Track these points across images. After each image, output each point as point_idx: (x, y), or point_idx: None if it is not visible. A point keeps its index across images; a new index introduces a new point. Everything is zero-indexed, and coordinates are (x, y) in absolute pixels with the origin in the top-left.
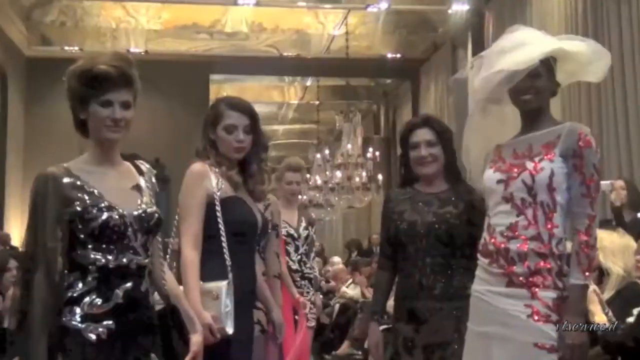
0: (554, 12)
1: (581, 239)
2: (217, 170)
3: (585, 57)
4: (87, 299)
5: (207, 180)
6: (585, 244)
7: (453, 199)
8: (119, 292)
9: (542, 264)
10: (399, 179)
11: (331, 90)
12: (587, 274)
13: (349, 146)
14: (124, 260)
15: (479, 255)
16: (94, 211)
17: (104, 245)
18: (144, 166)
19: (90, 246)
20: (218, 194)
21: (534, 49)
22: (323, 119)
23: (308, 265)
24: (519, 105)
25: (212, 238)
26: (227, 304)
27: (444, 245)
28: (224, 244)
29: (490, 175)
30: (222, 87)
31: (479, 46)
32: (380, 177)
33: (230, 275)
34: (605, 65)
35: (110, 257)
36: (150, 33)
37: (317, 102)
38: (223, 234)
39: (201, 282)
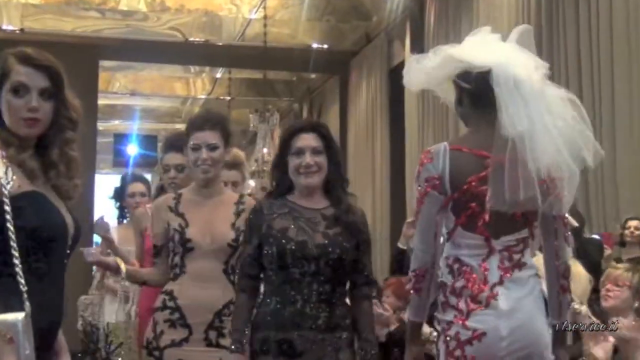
0: (503, 4)
1: None
2: (4, 153)
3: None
4: None
5: None
6: None
7: (339, 218)
8: None
9: None
10: (272, 187)
11: (245, 84)
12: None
13: (265, 150)
14: None
15: None
16: None
17: None
18: None
19: None
20: (8, 187)
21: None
22: (235, 117)
23: None
24: None
25: None
26: (25, 346)
27: (333, 271)
28: (16, 260)
29: None
30: (114, 76)
31: (419, 39)
32: None
33: (27, 306)
34: None
35: None
36: (28, 8)
37: (228, 98)
38: (14, 244)
39: None
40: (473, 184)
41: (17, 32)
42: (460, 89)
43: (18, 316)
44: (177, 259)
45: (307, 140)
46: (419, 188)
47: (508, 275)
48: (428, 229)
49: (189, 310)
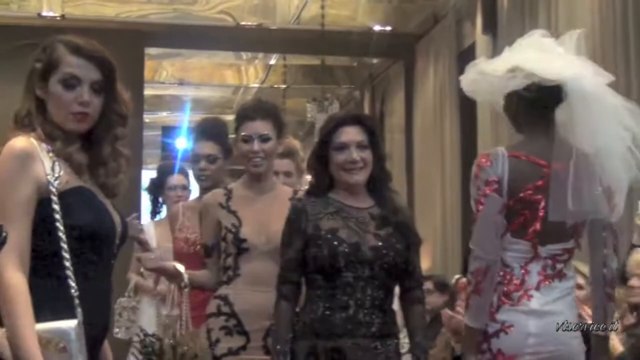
0: None
1: None
2: (50, 147)
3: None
4: None
5: (38, 165)
6: None
7: (387, 218)
8: None
9: None
10: (312, 184)
11: (301, 71)
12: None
13: None
14: None
15: None
16: None
17: None
18: None
19: None
20: (55, 184)
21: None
22: (291, 107)
23: None
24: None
25: (46, 253)
26: (78, 356)
27: (387, 275)
28: (67, 262)
29: None
30: (160, 65)
31: (491, 18)
32: None
33: (79, 312)
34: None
35: None
36: None
37: (283, 86)
38: (64, 246)
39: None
40: (529, 192)
41: (58, 18)
42: (518, 96)
43: (71, 324)
44: (230, 261)
45: (351, 134)
46: (478, 190)
47: (547, 282)
48: (488, 230)
49: (246, 316)
